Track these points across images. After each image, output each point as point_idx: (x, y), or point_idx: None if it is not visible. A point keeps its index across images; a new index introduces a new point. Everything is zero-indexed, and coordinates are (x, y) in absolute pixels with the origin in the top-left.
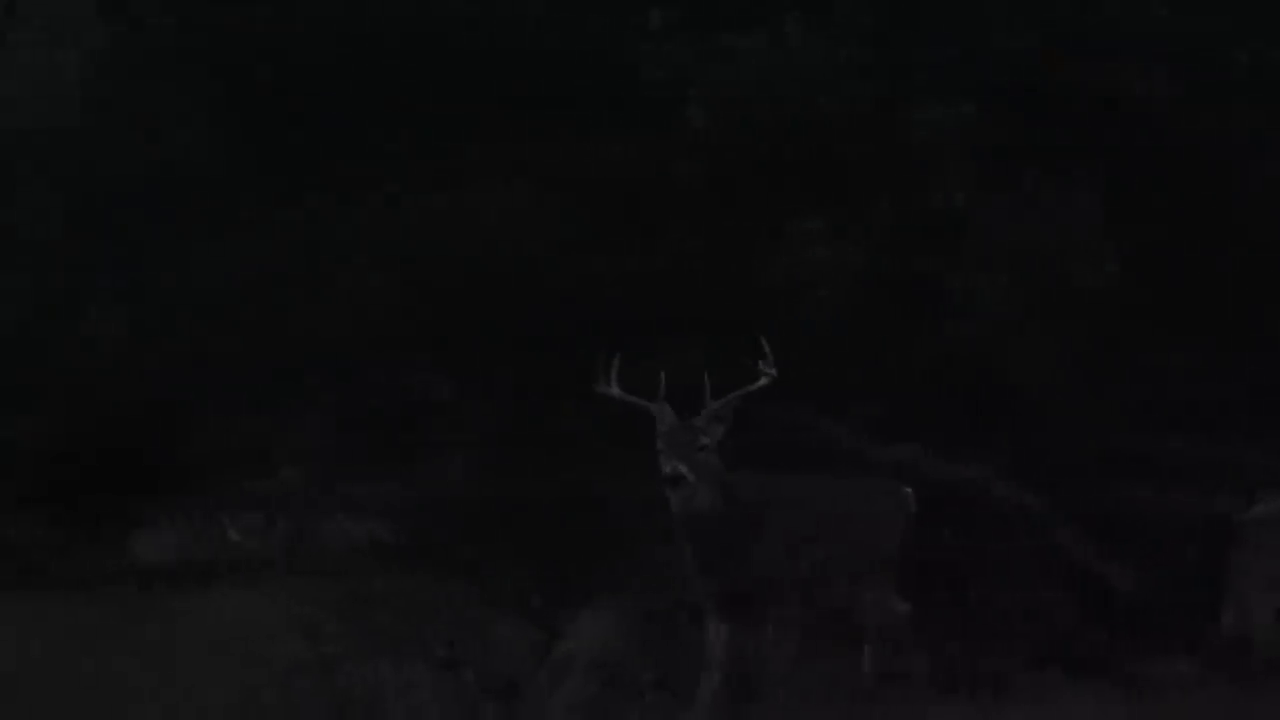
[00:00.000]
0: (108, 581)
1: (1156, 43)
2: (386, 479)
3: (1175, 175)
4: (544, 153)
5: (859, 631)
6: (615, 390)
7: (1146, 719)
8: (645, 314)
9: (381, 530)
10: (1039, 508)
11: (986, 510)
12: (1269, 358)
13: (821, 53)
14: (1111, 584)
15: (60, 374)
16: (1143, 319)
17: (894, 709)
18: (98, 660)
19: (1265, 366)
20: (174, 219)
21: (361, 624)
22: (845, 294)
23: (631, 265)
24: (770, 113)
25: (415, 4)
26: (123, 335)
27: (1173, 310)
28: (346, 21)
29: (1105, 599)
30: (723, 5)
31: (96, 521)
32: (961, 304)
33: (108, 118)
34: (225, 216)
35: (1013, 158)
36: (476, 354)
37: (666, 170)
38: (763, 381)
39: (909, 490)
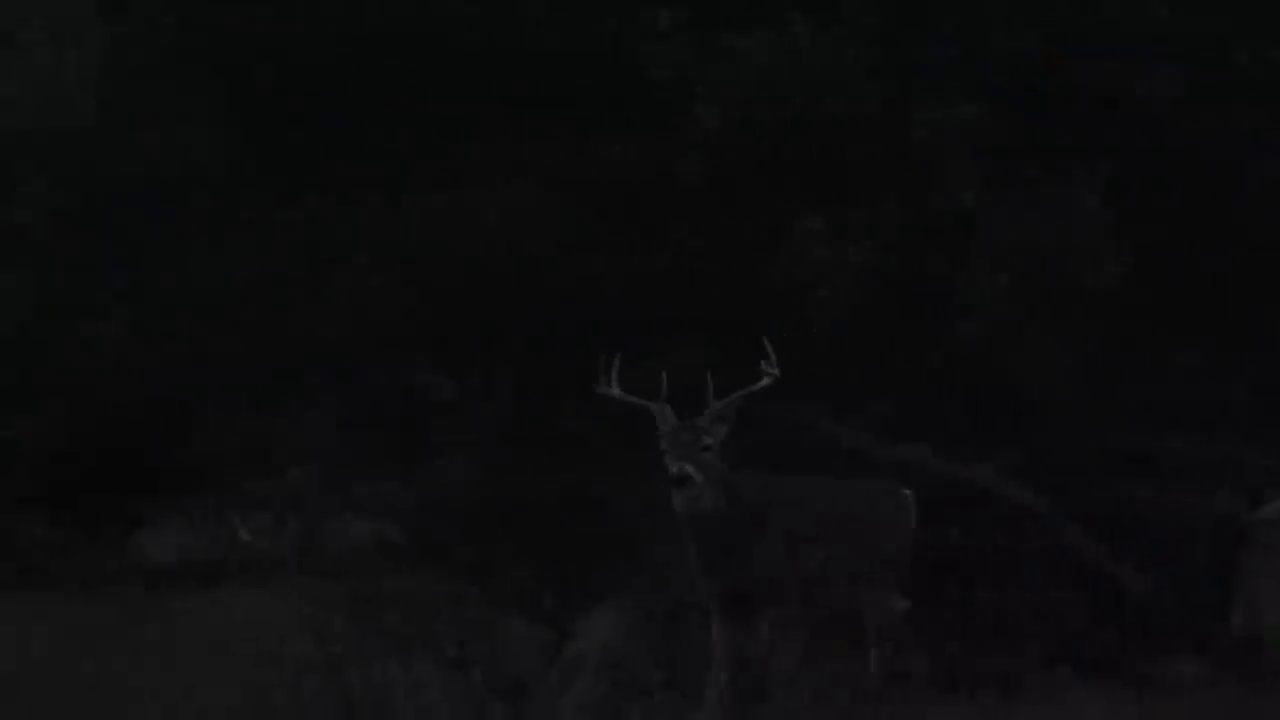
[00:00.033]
0: (115, 581)
1: (1159, 43)
2: (394, 479)
3: (1179, 175)
4: (548, 152)
5: (863, 632)
6: (616, 391)
7: (1157, 717)
8: (649, 314)
9: (389, 530)
10: (1045, 507)
11: (993, 510)
12: (1273, 357)
13: (827, 53)
14: (1120, 584)
15: (66, 374)
16: (1147, 319)
17: (902, 709)
18: (104, 660)
19: (1269, 366)
20: (177, 219)
21: (370, 624)
22: (850, 294)
23: (635, 265)
24: (775, 112)
25: (417, 4)
26: (127, 335)
27: (1177, 310)
28: (347, 21)
29: (1114, 599)
30: (728, 5)
31: (103, 522)
32: (967, 304)
33: (108, 118)
34: (227, 217)
35: (1017, 158)
36: (480, 354)
37: (671, 170)
38: (765, 381)
39: (908, 491)
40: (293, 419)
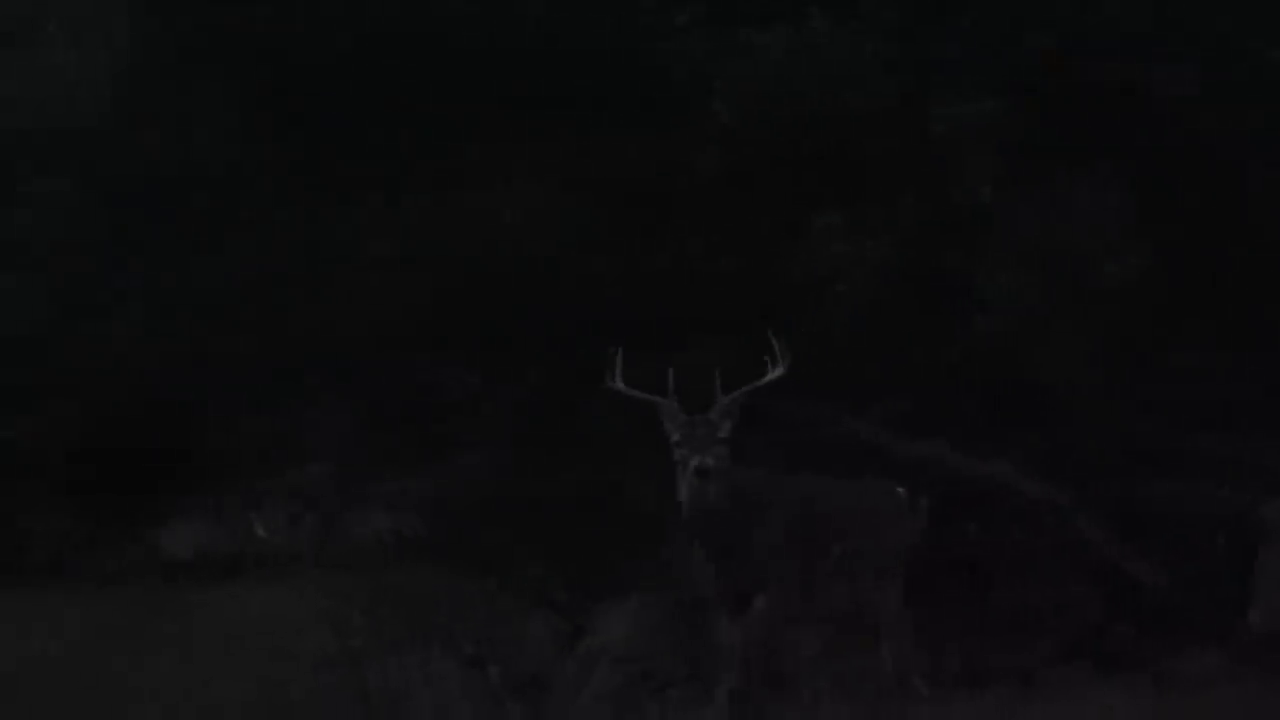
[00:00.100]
0: (133, 576)
1: (1181, 38)
2: (412, 475)
3: (1201, 171)
4: (566, 150)
5: (873, 630)
6: (620, 385)
7: (1174, 714)
8: (666, 310)
9: (407, 525)
10: (1064, 503)
11: (1011, 505)
12: None
13: (845, 48)
14: (1138, 579)
15: (86, 371)
16: (1165, 314)
17: (919, 704)
18: (122, 654)
19: None
20: (196, 217)
21: (387, 619)
22: (868, 289)
23: (653, 261)
24: (793, 108)
25: (425, 3)
26: (143, 334)
27: (1195, 305)
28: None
29: (1132, 594)
30: (746, 1)
31: (124, 517)
32: (985, 299)
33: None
34: (233, 216)
35: (1036, 153)
36: (499, 350)
37: (689, 166)
38: (771, 376)
39: (903, 490)
40: (310, 415)
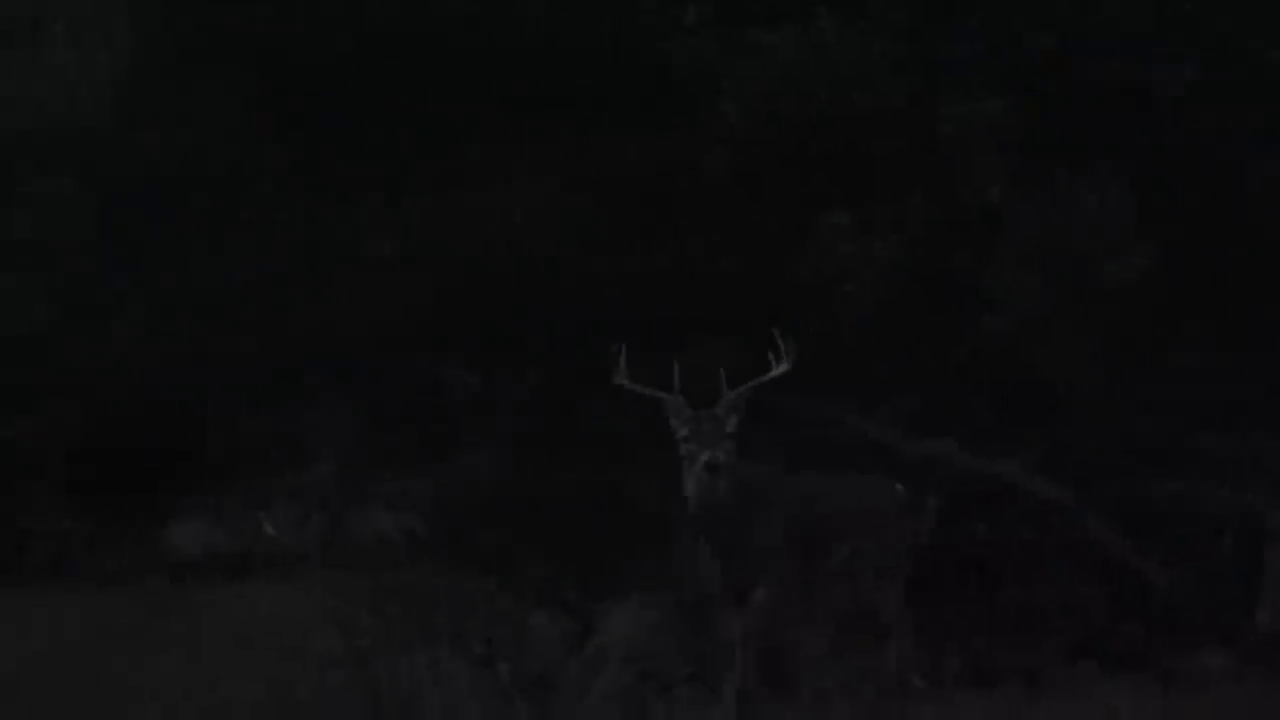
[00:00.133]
0: (140, 575)
1: (1186, 38)
2: (418, 474)
3: (1206, 171)
4: (573, 149)
5: (874, 629)
6: (625, 381)
7: (1181, 713)
8: (673, 309)
9: (415, 525)
10: (1071, 502)
11: (1018, 505)
12: None
13: (853, 48)
14: (1145, 579)
15: (91, 371)
16: (1173, 314)
17: (926, 704)
18: (131, 653)
19: None
20: (197, 217)
21: (395, 618)
22: (876, 289)
23: (660, 260)
24: (801, 107)
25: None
26: (150, 334)
27: (1202, 305)
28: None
29: (1139, 594)
30: (754, 0)
31: (131, 516)
32: (992, 299)
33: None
34: (250, 214)
35: (1043, 153)
36: (506, 350)
37: (697, 165)
38: (775, 372)
39: (902, 488)
40: (316, 415)
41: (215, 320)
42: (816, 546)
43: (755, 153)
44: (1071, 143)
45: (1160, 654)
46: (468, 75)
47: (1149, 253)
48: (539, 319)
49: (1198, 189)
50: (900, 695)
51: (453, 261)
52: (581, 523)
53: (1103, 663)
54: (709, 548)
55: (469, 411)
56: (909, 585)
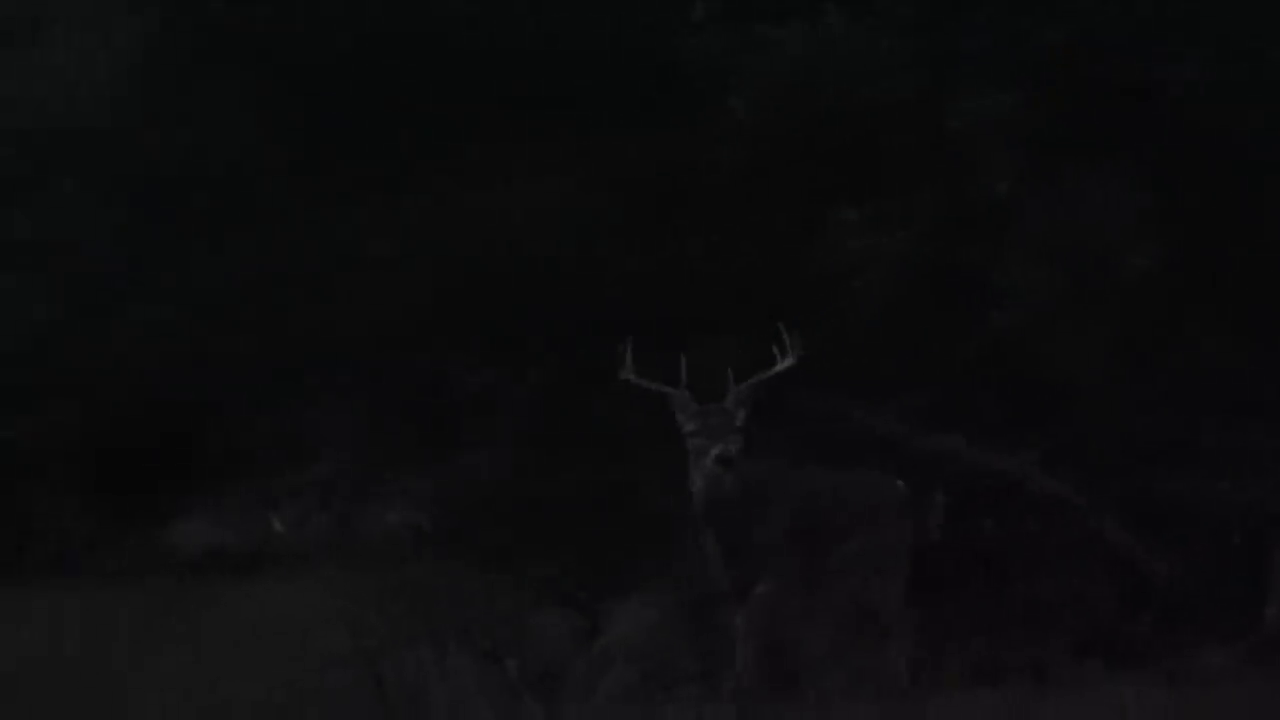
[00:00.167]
0: (146, 572)
1: (1195, 34)
2: (425, 472)
3: (1215, 167)
4: (580, 146)
5: (875, 626)
6: (631, 376)
7: (1187, 710)
8: (681, 306)
9: (422, 522)
10: (1080, 498)
11: (1027, 501)
12: None
13: (861, 43)
14: (1153, 575)
15: (96, 369)
16: (1182, 308)
17: (933, 700)
18: (137, 650)
19: None
20: (203, 216)
21: (403, 615)
22: (884, 285)
23: (668, 256)
24: (809, 103)
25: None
26: (160, 332)
27: (1212, 300)
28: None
29: (1147, 590)
30: None
31: (134, 514)
32: (1001, 294)
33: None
34: (257, 212)
35: (1052, 149)
36: (511, 347)
37: (705, 161)
38: (782, 365)
39: (901, 482)
40: (325, 411)
41: (220, 319)
42: (817, 543)
43: (763, 148)
44: (1080, 138)
45: (1167, 651)
46: (471, 74)
47: (1158, 249)
48: (544, 316)
49: (1206, 185)
50: (904, 692)
51: (457, 260)
52: (588, 520)
53: (1109, 659)
54: (715, 544)
55: (475, 409)
56: (916, 581)
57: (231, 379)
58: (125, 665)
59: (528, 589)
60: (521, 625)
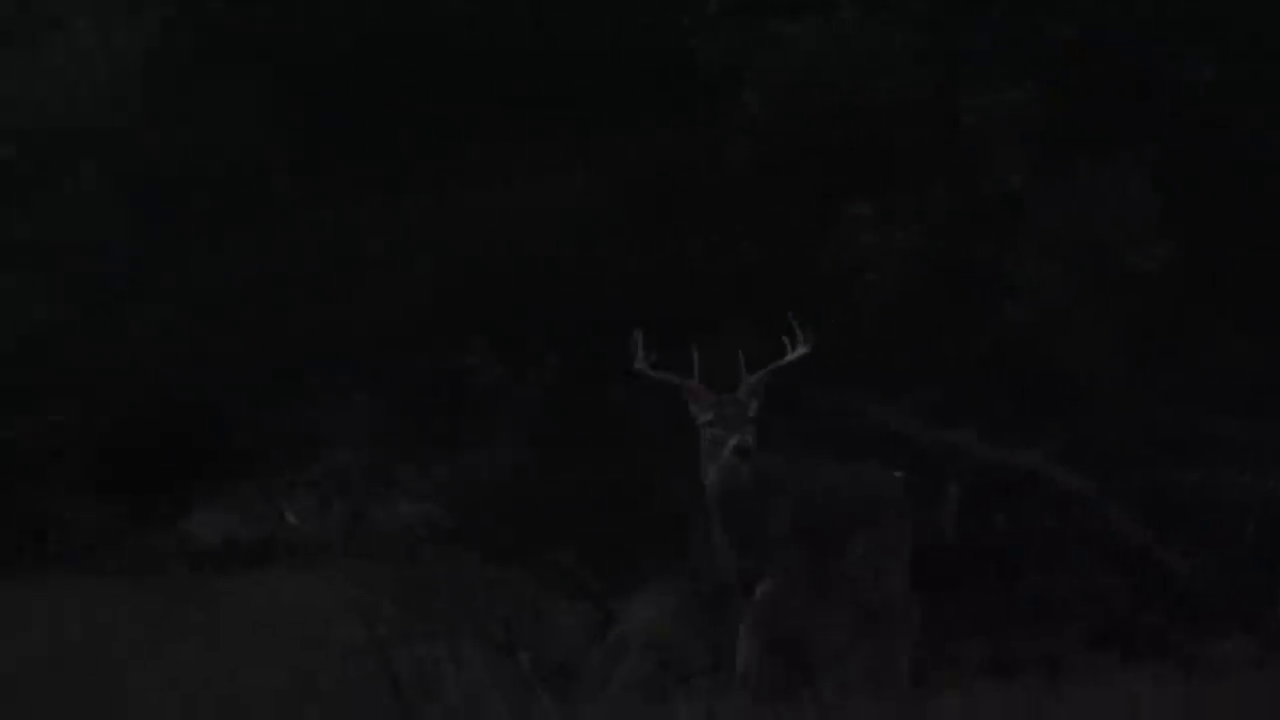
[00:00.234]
0: (162, 564)
1: (1208, 28)
2: (440, 463)
3: (1228, 161)
4: (594, 139)
5: (879, 622)
6: (643, 366)
7: (1203, 701)
8: (695, 299)
9: (436, 514)
10: (1093, 491)
11: (1040, 495)
12: None
13: (875, 38)
14: (1167, 567)
15: (101, 366)
16: (1194, 302)
17: (947, 693)
18: (151, 642)
19: None
20: (211, 214)
21: (416, 607)
22: (898, 279)
23: (683, 251)
24: (823, 98)
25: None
26: (176, 327)
27: (1224, 293)
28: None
29: (1161, 582)
30: None
31: (153, 505)
32: (1014, 288)
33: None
34: (262, 210)
35: (1065, 142)
36: (528, 339)
37: (719, 156)
38: (793, 355)
39: (899, 474)
40: (339, 403)
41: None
42: (819, 538)
43: (776, 143)
44: (1093, 133)
45: (1182, 642)
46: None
47: (1171, 242)
48: (560, 310)
49: (1219, 179)
50: (906, 690)
51: (475, 254)
52: (602, 512)
53: (1124, 651)
54: (726, 536)
55: (490, 401)
56: (930, 575)
57: (232, 378)
58: (142, 656)
59: (541, 581)
60: (535, 617)
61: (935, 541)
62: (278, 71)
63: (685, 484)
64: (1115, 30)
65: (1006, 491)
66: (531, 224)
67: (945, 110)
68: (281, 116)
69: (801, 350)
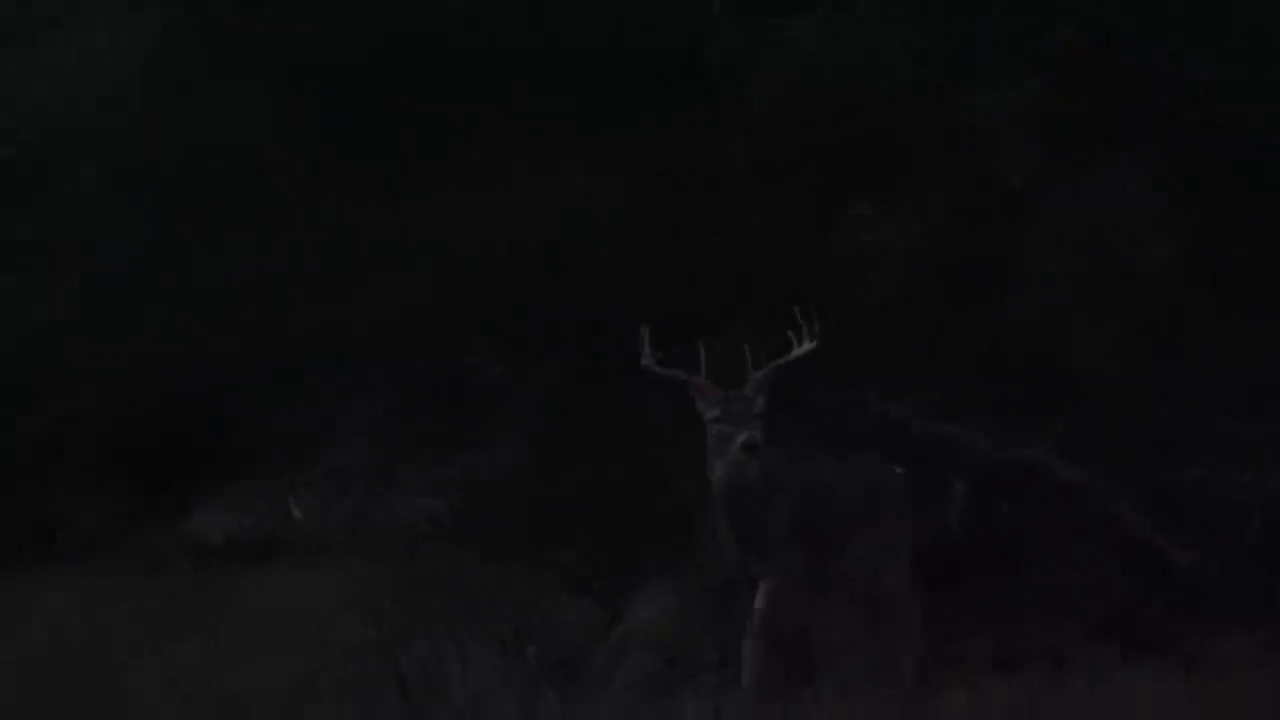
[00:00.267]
0: (168, 560)
1: (1215, 24)
2: (442, 461)
3: (1234, 155)
4: (596, 137)
5: (881, 619)
6: (649, 362)
7: (1205, 698)
8: (698, 298)
9: (439, 512)
10: (1097, 487)
11: (1044, 490)
12: None
13: (877, 36)
14: (1171, 563)
15: (101, 366)
16: (1198, 299)
17: (950, 687)
18: (155, 640)
19: None
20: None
21: (421, 604)
22: (901, 276)
23: (685, 249)
24: (825, 96)
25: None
26: (181, 323)
27: (1228, 290)
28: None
29: (1164, 578)
30: None
31: (155, 504)
32: (1018, 286)
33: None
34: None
35: (1070, 140)
36: (530, 337)
37: (721, 154)
38: (799, 351)
39: (899, 469)
40: (341, 402)
41: (234, 313)
42: (821, 533)
43: (779, 141)
44: (1097, 130)
45: (1185, 638)
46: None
47: (1175, 240)
48: (563, 307)
49: (1224, 176)
50: (909, 688)
51: (476, 253)
52: (608, 508)
53: (1127, 647)
54: (732, 532)
55: (494, 398)
56: (933, 569)
57: (233, 377)
58: (144, 654)
59: (546, 578)
60: (540, 614)
61: (941, 538)
62: (277, 72)
63: (689, 481)
64: (1118, 27)
65: (1010, 487)
66: (533, 223)
67: (948, 108)
68: (281, 116)
69: (807, 346)
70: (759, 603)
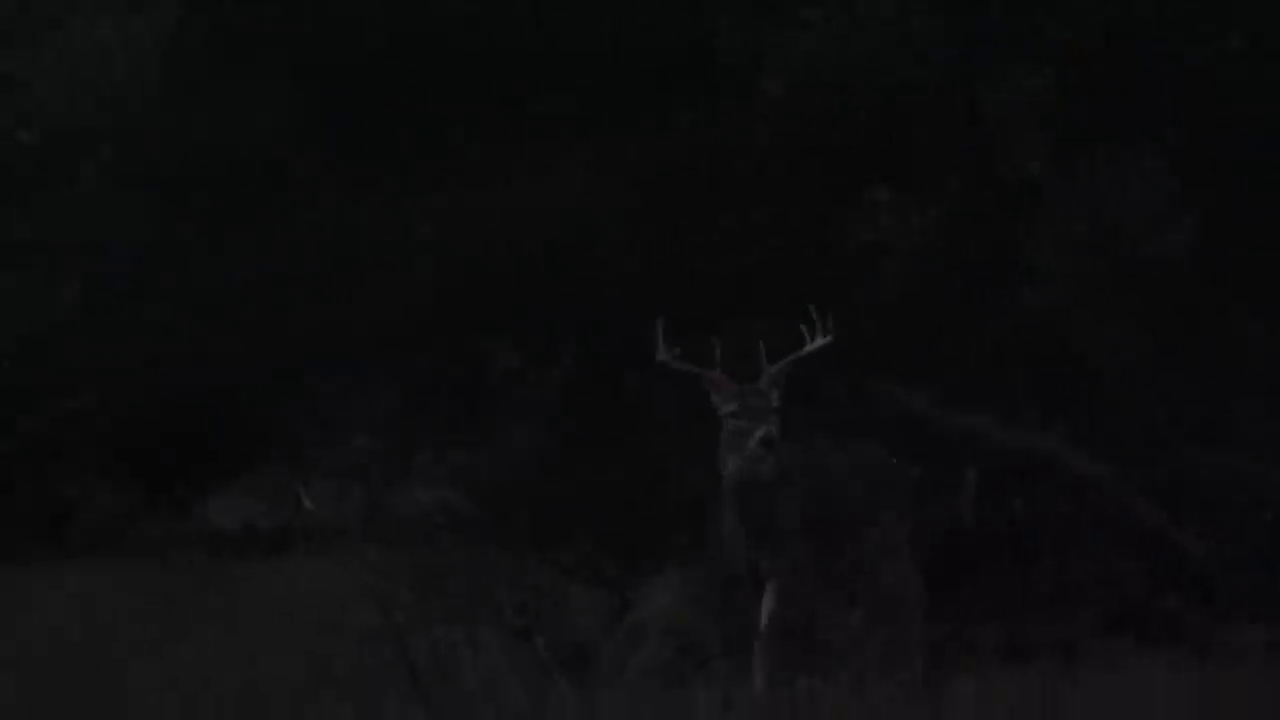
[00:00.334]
0: (180, 549)
1: (1229, 17)
2: (458, 448)
3: (1248, 147)
4: (613, 125)
5: (893, 604)
6: (665, 355)
7: (1218, 687)
8: (714, 287)
9: (454, 499)
10: (1110, 477)
11: (1058, 480)
12: None
13: (894, 23)
14: (1183, 553)
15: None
16: (1213, 288)
17: (961, 677)
18: (170, 627)
19: None
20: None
21: (434, 592)
22: (916, 264)
23: (700, 237)
24: (842, 83)
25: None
26: (199, 311)
27: (1243, 279)
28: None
29: (1177, 567)
30: None
31: (169, 490)
32: (1033, 275)
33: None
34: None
35: (1085, 129)
36: (546, 325)
37: (737, 142)
38: (813, 346)
39: (894, 460)
40: (357, 392)
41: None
42: (829, 524)
43: (795, 129)
44: (1112, 120)
45: (1198, 628)
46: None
47: (1189, 228)
48: (579, 298)
49: (1238, 165)
50: (929, 671)
51: (479, 250)
52: (620, 498)
53: (1140, 637)
54: (742, 526)
55: (508, 388)
56: (946, 560)
57: (267, 356)
58: (160, 641)
59: (558, 568)
60: (552, 603)
61: (953, 527)
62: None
63: (702, 472)
64: (1135, 17)
65: (1023, 478)
66: (533, 223)
67: (963, 97)
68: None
69: (822, 340)
70: (769, 603)
